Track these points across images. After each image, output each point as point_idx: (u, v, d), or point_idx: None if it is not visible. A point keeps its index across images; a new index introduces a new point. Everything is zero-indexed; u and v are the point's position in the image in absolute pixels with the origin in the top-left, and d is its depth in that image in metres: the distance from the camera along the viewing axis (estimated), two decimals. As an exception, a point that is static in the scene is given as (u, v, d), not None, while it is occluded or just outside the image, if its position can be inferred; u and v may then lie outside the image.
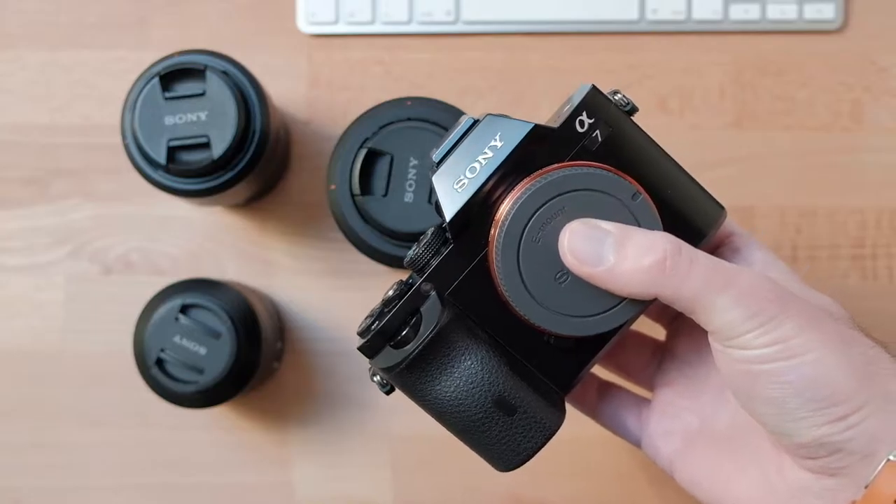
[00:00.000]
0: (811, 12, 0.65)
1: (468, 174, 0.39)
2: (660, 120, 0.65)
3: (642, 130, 0.41)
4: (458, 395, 0.39)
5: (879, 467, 0.36)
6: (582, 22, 0.65)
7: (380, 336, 0.40)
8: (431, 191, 0.52)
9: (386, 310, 0.40)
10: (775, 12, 0.65)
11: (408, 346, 0.39)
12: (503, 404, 0.40)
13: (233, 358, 0.56)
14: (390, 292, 0.41)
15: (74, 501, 0.65)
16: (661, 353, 0.47)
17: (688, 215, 0.41)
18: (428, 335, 0.39)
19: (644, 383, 0.48)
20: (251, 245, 0.65)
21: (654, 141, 0.41)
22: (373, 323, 0.40)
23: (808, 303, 0.38)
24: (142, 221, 0.65)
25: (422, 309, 0.40)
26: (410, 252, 0.40)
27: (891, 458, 0.36)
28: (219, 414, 0.64)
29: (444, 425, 0.41)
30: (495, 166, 0.39)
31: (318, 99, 0.65)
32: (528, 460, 0.41)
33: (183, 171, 0.54)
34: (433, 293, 0.40)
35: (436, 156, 0.40)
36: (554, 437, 0.41)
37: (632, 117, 0.41)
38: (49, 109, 0.65)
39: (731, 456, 0.42)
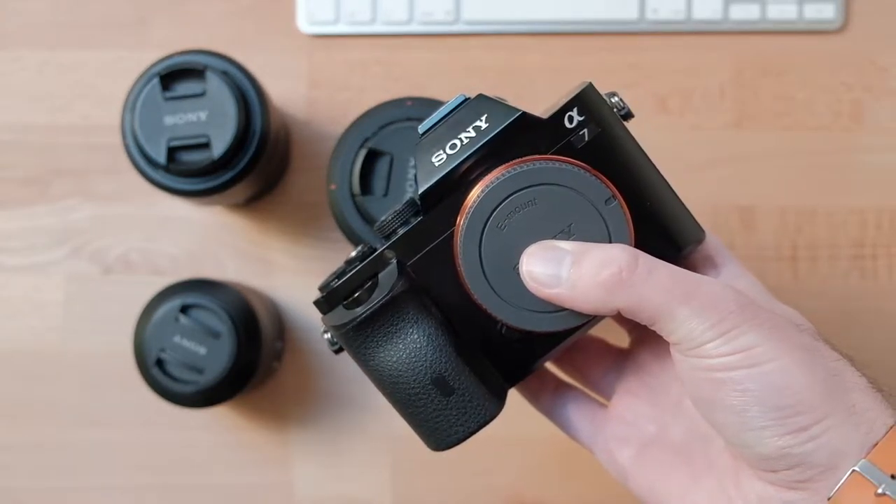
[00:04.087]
0: (811, 12, 0.65)
1: (448, 150, 0.39)
2: (660, 120, 0.65)
3: (633, 138, 0.40)
4: (398, 366, 0.39)
5: (843, 479, 0.35)
6: (582, 22, 0.65)
7: (335, 294, 0.40)
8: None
9: (347, 269, 0.41)
10: (775, 12, 0.65)
11: (358, 309, 0.39)
12: (442, 384, 0.39)
13: (233, 358, 0.56)
14: (353, 253, 0.41)
15: (74, 501, 0.65)
16: (623, 361, 0.47)
17: (664, 230, 0.40)
18: (378, 301, 0.39)
19: (601, 391, 0.48)
20: (251, 245, 0.65)
21: (643, 151, 0.40)
22: (332, 280, 0.41)
23: (772, 313, 0.37)
24: (142, 221, 0.65)
25: (380, 275, 0.40)
26: (382, 217, 0.40)
27: (856, 469, 0.35)
28: (219, 414, 0.64)
29: (383, 394, 0.41)
30: (475, 147, 0.39)
31: (318, 99, 0.65)
32: (458, 444, 0.40)
33: (183, 171, 0.54)
34: (394, 261, 0.40)
35: (422, 127, 0.40)
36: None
37: (626, 123, 0.40)
38: (49, 109, 0.65)
39: (687, 466, 0.42)
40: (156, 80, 0.54)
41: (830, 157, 0.65)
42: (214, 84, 0.54)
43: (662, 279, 0.37)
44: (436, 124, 0.39)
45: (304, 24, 0.65)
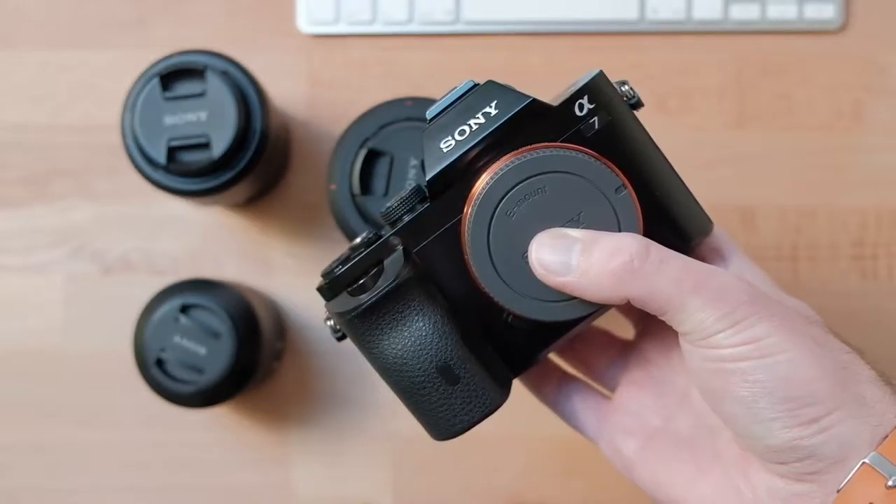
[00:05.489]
0: (811, 12, 0.65)
1: (457, 136, 0.38)
2: (660, 120, 0.65)
3: (642, 127, 0.40)
4: (404, 354, 0.39)
5: (853, 472, 0.35)
6: (582, 22, 0.65)
7: (340, 280, 0.40)
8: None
9: (352, 256, 0.40)
10: (775, 12, 0.65)
11: (363, 296, 0.39)
12: (447, 372, 0.39)
13: (233, 358, 0.56)
14: (358, 239, 0.41)
15: (74, 501, 0.65)
16: (628, 352, 0.47)
17: (674, 220, 0.40)
18: (384, 288, 0.38)
19: (605, 382, 0.48)
20: (251, 245, 0.65)
21: (652, 140, 0.40)
22: (336, 266, 0.40)
23: (782, 304, 0.37)
24: (141, 221, 0.65)
25: (385, 261, 0.39)
26: (388, 203, 0.40)
27: (866, 461, 0.35)
28: (219, 414, 0.64)
29: (386, 382, 0.40)
30: (485, 133, 0.38)
31: (318, 99, 0.65)
32: (462, 433, 0.40)
33: (183, 171, 0.54)
34: (400, 248, 0.39)
35: (430, 112, 0.39)
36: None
37: (636, 112, 0.40)
38: (49, 109, 0.65)
39: (694, 458, 0.42)
40: (156, 80, 0.54)
41: (830, 157, 0.65)
42: (214, 84, 0.54)
43: (673, 269, 0.36)
44: (444, 110, 0.39)
45: (304, 24, 0.65)
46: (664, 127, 0.65)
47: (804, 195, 0.65)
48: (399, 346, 0.39)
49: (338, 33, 0.65)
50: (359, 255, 0.40)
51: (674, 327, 0.37)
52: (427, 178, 0.39)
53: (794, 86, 0.65)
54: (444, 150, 0.38)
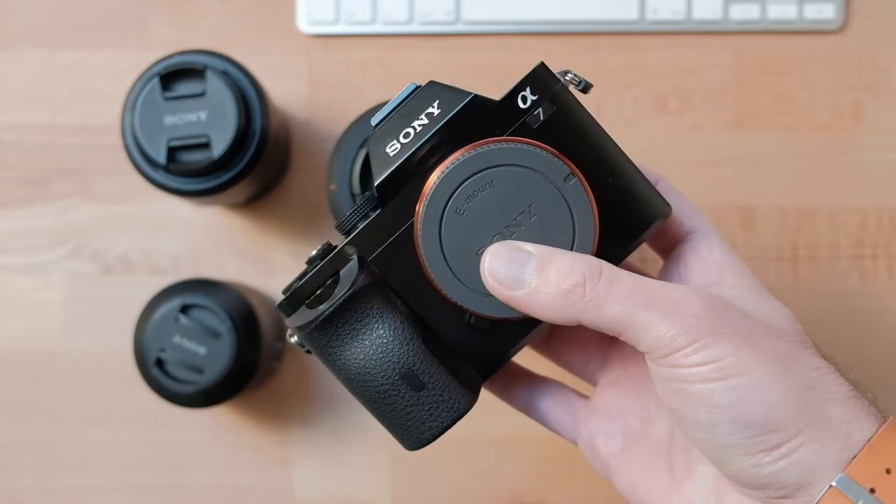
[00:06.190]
0: (811, 12, 0.65)
1: (402, 139, 0.38)
2: (660, 120, 0.65)
3: (590, 115, 0.40)
4: (366, 363, 0.39)
5: (821, 495, 0.34)
6: (582, 22, 0.65)
7: (298, 294, 0.39)
8: None
9: (308, 269, 0.40)
10: (775, 12, 0.65)
11: (321, 307, 0.38)
12: (411, 378, 0.39)
13: (233, 358, 0.56)
14: (314, 252, 0.40)
15: (74, 501, 0.65)
16: (608, 348, 0.46)
17: (628, 207, 0.40)
18: (340, 298, 0.38)
19: (586, 378, 0.46)
20: (251, 245, 0.65)
21: (600, 127, 0.40)
22: (294, 282, 0.40)
23: (747, 319, 0.36)
24: (142, 221, 0.65)
25: (340, 272, 0.39)
26: (342, 213, 0.40)
27: (833, 484, 0.34)
28: (219, 414, 0.64)
29: (353, 394, 0.40)
30: (429, 133, 0.38)
31: (318, 99, 0.65)
32: (433, 440, 0.40)
33: (183, 171, 0.54)
34: (355, 257, 0.39)
35: (374, 119, 0.39)
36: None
37: (585, 94, 0.40)
38: (49, 109, 0.65)
39: (670, 468, 0.41)
40: (156, 80, 0.54)
41: (830, 157, 0.65)
42: (214, 84, 0.54)
43: (624, 288, 0.36)
44: (388, 115, 0.39)
45: (304, 24, 0.65)
46: (664, 127, 0.65)
47: (804, 195, 0.65)
48: (361, 356, 0.39)
49: (338, 33, 0.65)
50: (315, 267, 0.39)
51: (636, 347, 0.36)
52: (375, 184, 0.38)
53: (794, 86, 0.65)
54: (391, 155, 0.38)
